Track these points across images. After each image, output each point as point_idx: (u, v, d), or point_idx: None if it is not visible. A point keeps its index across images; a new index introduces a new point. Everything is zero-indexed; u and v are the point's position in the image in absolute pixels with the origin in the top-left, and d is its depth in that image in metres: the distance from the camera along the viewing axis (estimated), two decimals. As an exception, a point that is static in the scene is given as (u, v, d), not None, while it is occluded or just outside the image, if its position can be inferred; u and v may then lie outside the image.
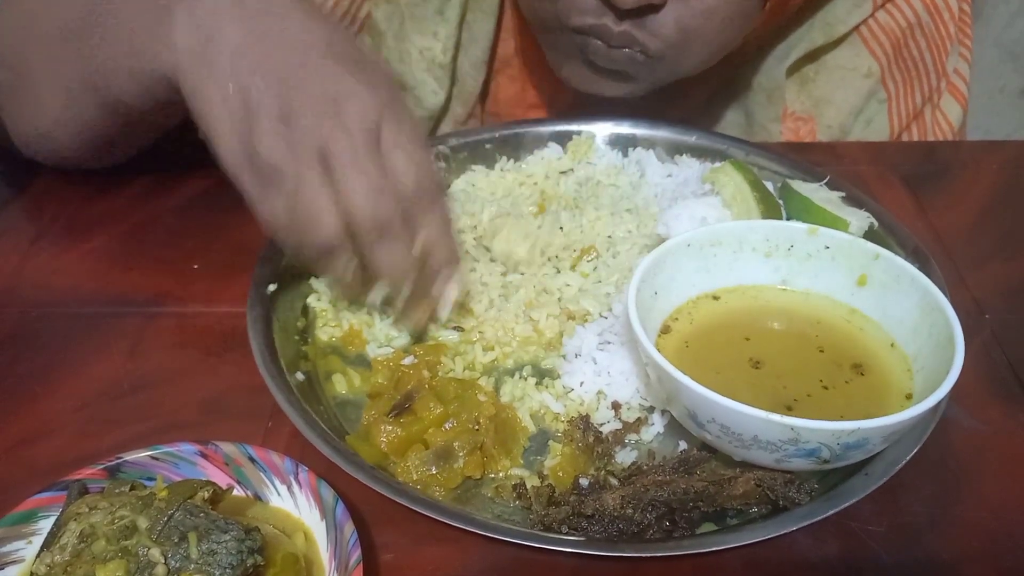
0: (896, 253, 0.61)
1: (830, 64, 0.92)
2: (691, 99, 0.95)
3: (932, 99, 0.95)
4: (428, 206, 0.58)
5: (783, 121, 0.93)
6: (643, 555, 0.50)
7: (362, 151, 0.55)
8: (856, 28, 0.89)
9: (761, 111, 0.94)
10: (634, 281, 0.57)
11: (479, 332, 0.65)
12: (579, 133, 0.84)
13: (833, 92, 0.92)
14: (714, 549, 0.50)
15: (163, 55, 0.59)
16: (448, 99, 0.94)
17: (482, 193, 0.79)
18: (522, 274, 0.70)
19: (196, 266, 0.71)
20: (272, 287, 0.65)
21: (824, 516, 0.50)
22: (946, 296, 0.56)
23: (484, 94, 0.97)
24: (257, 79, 0.55)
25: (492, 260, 0.71)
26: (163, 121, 0.74)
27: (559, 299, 0.68)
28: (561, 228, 0.73)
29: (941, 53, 0.92)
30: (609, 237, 0.73)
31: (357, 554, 0.45)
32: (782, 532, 0.50)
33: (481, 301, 0.67)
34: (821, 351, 0.58)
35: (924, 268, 0.60)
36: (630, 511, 0.50)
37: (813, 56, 0.91)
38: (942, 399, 0.50)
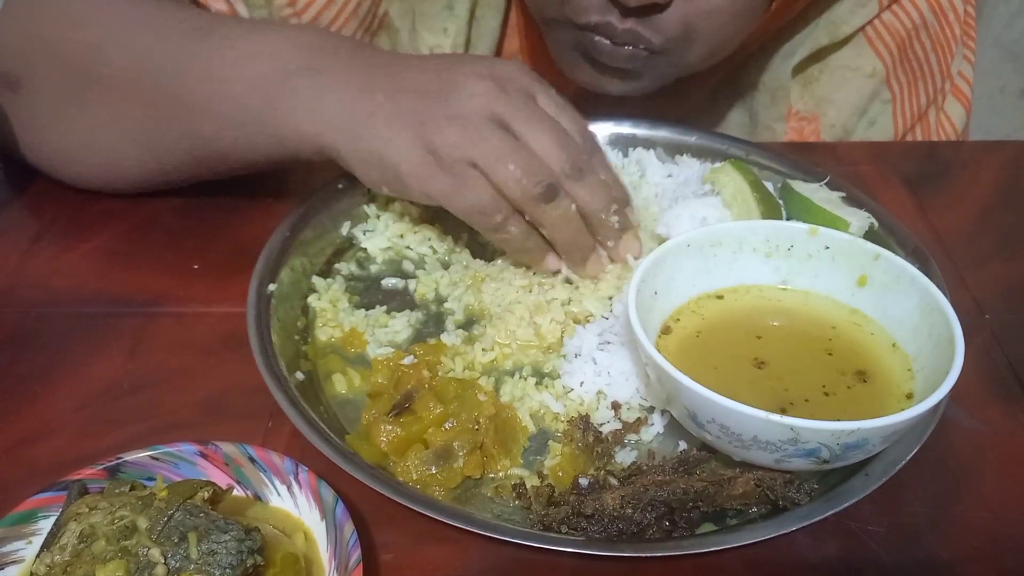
0: (896, 253, 0.60)
1: (833, 64, 0.91)
2: (693, 98, 0.95)
3: (936, 101, 0.94)
4: (597, 156, 0.66)
5: (787, 121, 0.93)
6: (643, 555, 0.50)
7: (532, 108, 0.59)
8: (861, 28, 0.89)
9: (765, 111, 0.94)
10: (634, 281, 0.57)
11: (481, 331, 0.65)
12: (579, 133, 0.84)
13: (835, 92, 0.92)
14: (714, 549, 0.50)
15: (313, 139, 0.63)
16: None
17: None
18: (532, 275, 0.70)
19: (196, 266, 0.71)
20: (272, 287, 0.65)
21: (824, 516, 0.50)
22: (946, 296, 0.56)
23: None
24: (415, 107, 0.59)
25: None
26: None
27: (563, 303, 0.67)
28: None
29: (946, 55, 0.92)
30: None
31: (357, 554, 0.45)
32: (782, 532, 0.50)
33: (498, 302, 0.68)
34: (830, 354, 0.58)
35: (924, 268, 0.60)
36: (630, 511, 0.50)
37: (818, 56, 0.91)
38: (942, 399, 0.50)
